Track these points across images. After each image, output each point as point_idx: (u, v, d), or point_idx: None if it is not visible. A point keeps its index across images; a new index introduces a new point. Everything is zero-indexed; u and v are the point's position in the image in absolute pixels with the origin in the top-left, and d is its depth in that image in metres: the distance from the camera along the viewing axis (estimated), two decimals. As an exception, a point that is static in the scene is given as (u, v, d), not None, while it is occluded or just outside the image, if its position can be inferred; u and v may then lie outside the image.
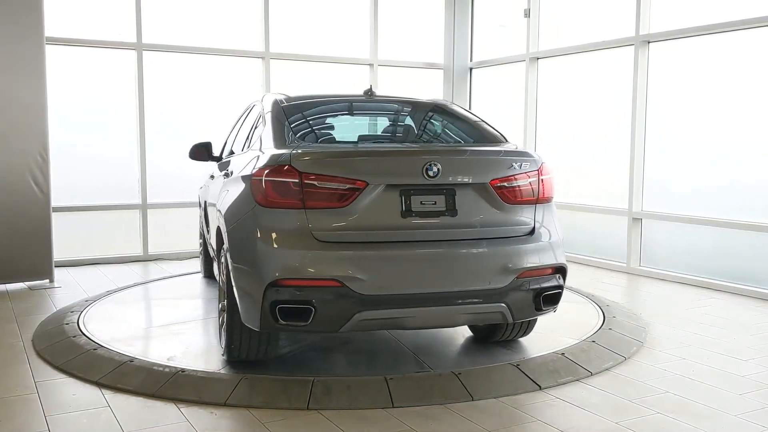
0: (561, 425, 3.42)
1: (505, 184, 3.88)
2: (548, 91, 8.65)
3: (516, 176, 3.92)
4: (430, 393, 3.76)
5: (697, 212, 6.83)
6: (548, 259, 3.94)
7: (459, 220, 3.78)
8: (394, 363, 4.24)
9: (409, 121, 5.02)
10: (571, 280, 6.79)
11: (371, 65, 9.22)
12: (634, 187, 7.37)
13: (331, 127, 4.80)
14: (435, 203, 3.75)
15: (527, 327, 4.51)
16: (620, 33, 7.51)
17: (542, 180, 4.03)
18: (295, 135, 4.27)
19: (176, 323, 5.14)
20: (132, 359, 4.20)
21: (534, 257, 3.89)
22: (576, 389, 3.91)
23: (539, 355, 4.30)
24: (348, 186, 3.64)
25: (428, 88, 9.78)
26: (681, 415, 3.54)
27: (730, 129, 6.64)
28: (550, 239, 4.00)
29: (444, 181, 3.75)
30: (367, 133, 5.09)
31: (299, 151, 3.80)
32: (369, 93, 4.80)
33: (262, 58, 8.51)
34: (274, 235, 3.64)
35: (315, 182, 3.62)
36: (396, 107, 5.08)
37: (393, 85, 9.27)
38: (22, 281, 6.60)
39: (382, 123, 5.17)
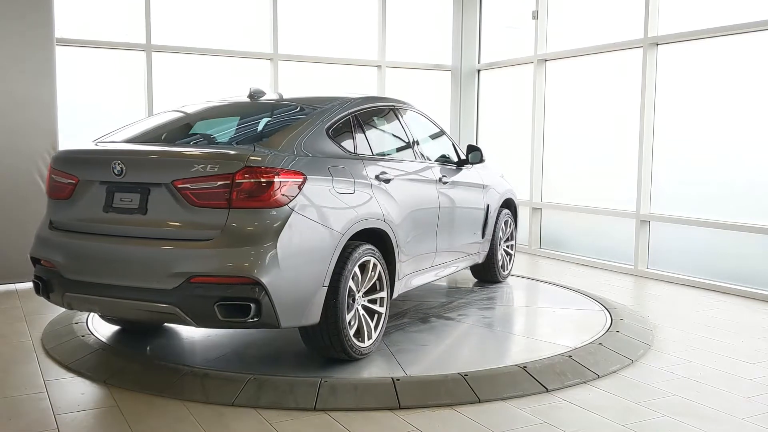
0: (567, 427, 3.43)
1: (188, 185, 3.78)
2: (556, 92, 8.64)
3: (200, 178, 3.75)
4: (437, 394, 3.77)
5: (705, 215, 6.81)
6: (231, 269, 3.65)
7: (148, 218, 3.90)
8: (401, 364, 4.25)
9: (243, 122, 4.83)
10: (578, 282, 6.83)
11: (379, 66, 9.24)
12: (642, 190, 7.36)
13: (159, 130, 4.66)
14: (131, 201, 3.95)
15: (341, 350, 4.10)
16: (628, 35, 7.50)
17: (240, 183, 3.70)
18: (122, 136, 4.54)
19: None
20: (140, 359, 4.23)
21: (211, 263, 3.67)
22: (583, 391, 3.92)
23: (546, 357, 4.29)
24: (67, 180, 4.19)
25: (436, 90, 9.81)
26: (688, 418, 3.54)
27: (739, 131, 6.62)
28: (244, 247, 3.67)
29: (138, 180, 3.94)
30: (178, 135, 4.83)
31: (63, 149, 4.45)
32: (252, 96, 4.87)
33: (271, 59, 8.53)
34: (40, 220, 4.41)
35: (52, 176, 4.30)
36: (254, 110, 4.87)
37: (400, 87, 9.29)
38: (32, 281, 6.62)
39: (217, 124, 4.96)
